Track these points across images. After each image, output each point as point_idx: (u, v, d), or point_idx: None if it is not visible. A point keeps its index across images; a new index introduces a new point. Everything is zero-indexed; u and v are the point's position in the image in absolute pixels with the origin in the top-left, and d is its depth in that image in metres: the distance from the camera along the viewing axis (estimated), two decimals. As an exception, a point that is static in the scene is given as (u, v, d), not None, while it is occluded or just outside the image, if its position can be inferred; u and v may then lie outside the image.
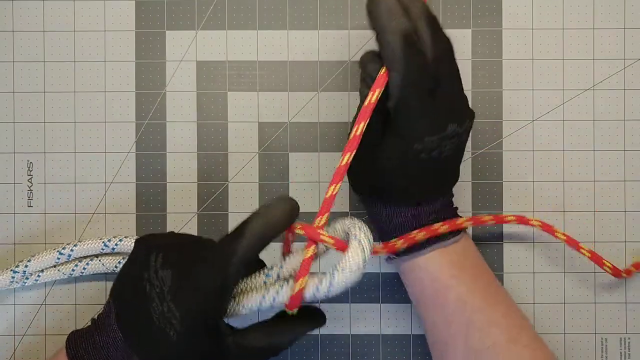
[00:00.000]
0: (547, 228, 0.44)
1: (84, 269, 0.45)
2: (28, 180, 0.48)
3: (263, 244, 0.36)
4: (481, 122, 0.48)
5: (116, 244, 0.44)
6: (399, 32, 0.37)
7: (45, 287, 0.47)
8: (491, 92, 0.48)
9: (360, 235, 0.36)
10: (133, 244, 0.42)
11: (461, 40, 0.48)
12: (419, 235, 0.40)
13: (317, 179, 0.48)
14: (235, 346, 0.36)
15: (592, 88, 0.48)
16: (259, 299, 0.37)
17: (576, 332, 0.48)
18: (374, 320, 0.48)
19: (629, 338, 0.48)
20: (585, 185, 0.48)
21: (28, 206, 0.48)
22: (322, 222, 0.37)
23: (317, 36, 0.48)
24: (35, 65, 0.48)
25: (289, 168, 0.48)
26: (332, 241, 0.36)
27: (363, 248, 0.35)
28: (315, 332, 0.48)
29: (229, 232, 0.36)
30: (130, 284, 0.37)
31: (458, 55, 0.41)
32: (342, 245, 0.36)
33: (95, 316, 0.38)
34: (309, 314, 0.39)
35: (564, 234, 0.45)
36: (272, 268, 0.38)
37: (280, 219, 0.36)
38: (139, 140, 0.48)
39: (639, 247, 0.48)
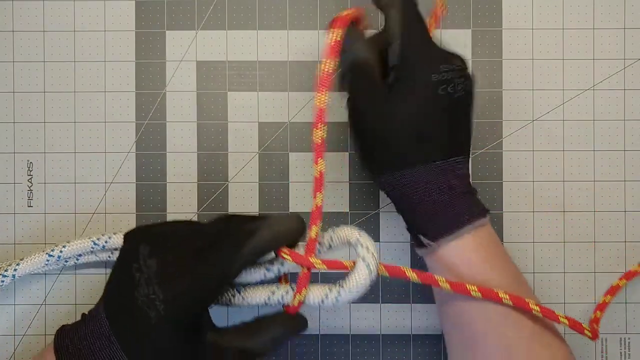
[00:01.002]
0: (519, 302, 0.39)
1: (77, 259, 0.45)
2: (28, 180, 0.48)
3: (270, 248, 0.36)
4: (481, 122, 0.48)
5: (106, 242, 0.43)
6: None
7: (46, 287, 0.47)
8: (491, 92, 0.48)
9: (368, 256, 0.36)
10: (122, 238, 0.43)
11: (461, 40, 0.48)
12: (442, 284, 0.38)
13: (317, 179, 0.48)
14: (212, 343, 0.36)
15: (592, 88, 0.48)
16: (265, 298, 0.38)
17: (576, 332, 0.48)
18: (374, 320, 0.48)
19: (629, 338, 0.48)
20: (585, 185, 0.48)
21: (28, 206, 0.48)
22: (313, 234, 0.37)
23: (317, 36, 0.48)
24: (35, 65, 0.48)
25: (289, 168, 0.48)
26: (324, 266, 0.36)
27: (370, 270, 0.36)
28: (315, 332, 0.48)
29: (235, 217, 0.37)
30: (119, 273, 0.37)
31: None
32: (337, 266, 0.36)
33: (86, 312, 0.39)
34: (289, 319, 0.38)
35: (538, 306, 0.39)
36: (272, 263, 0.38)
37: (291, 230, 0.36)
38: (139, 140, 0.48)
39: (639, 247, 0.48)
